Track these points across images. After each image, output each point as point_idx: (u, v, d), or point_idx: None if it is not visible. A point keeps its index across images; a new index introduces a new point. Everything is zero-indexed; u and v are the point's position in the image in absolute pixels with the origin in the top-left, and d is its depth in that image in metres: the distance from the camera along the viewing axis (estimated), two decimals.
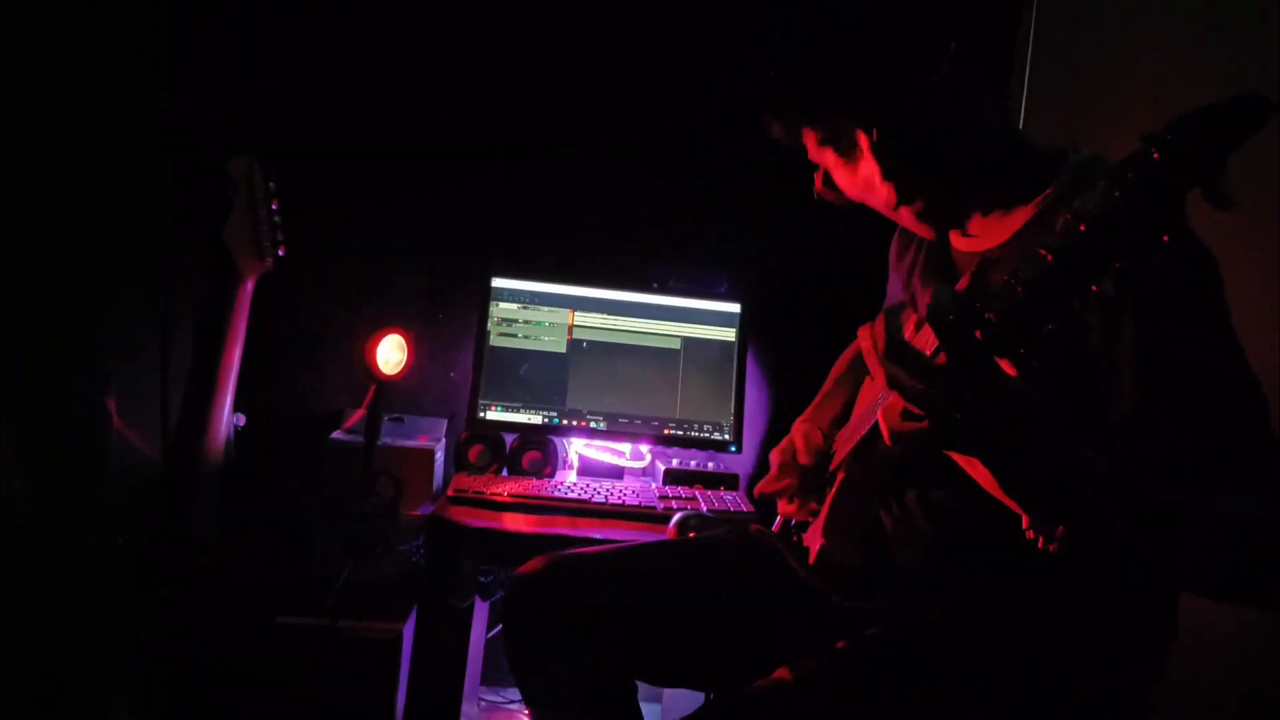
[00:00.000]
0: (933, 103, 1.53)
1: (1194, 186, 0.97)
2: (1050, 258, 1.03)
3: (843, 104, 1.58)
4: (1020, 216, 1.54)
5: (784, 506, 1.88)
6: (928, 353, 1.19)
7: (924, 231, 1.70)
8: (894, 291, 1.96)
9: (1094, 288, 1.03)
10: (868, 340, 1.21)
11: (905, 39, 1.52)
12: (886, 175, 1.59)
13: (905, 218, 1.66)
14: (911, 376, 1.14)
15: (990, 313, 1.09)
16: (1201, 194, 0.97)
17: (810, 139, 1.66)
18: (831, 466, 1.78)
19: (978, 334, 1.11)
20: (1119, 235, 1.00)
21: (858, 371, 2.01)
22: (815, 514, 1.77)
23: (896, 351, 1.15)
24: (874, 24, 1.52)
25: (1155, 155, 0.97)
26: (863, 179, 1.64)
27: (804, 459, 1.86)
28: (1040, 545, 1.19)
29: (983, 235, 1.63)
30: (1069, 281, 1.04)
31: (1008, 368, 1.14)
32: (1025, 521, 1.20)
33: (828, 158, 1.67)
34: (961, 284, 1.14)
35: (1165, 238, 0.99)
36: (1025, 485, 1.17)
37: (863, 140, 1.58)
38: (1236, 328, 1.38)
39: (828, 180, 1.73)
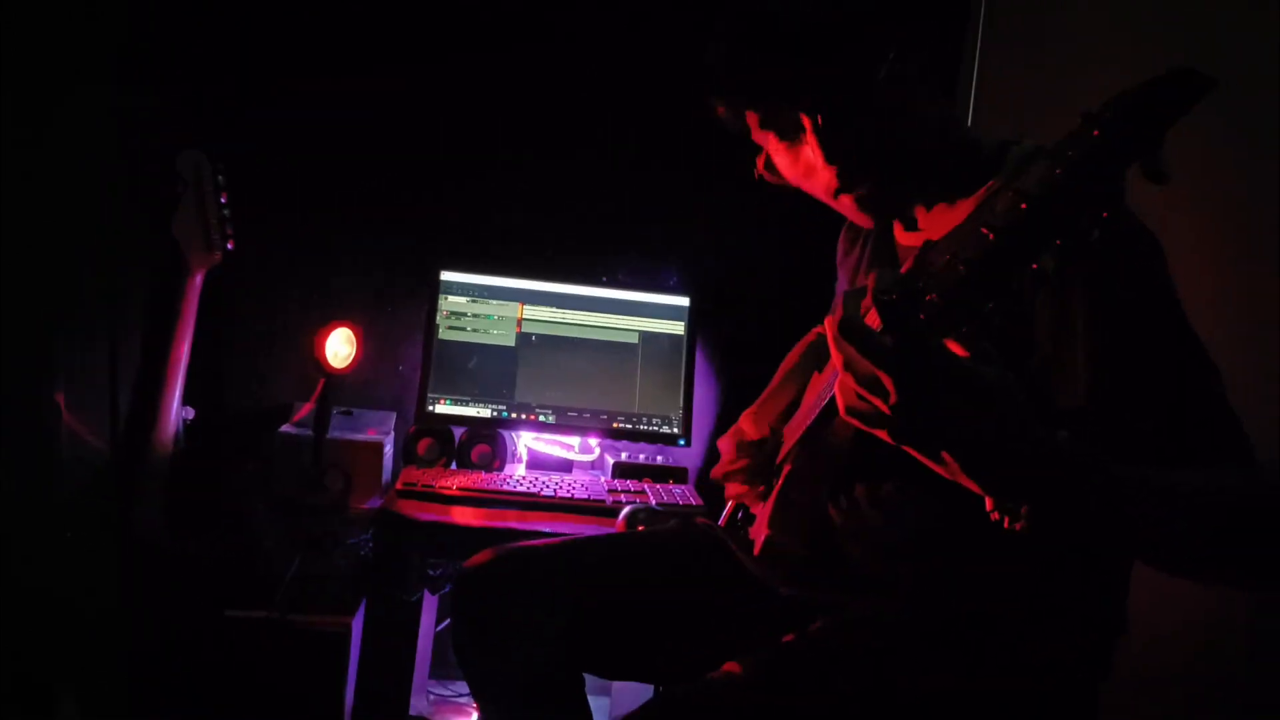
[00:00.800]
0: (877, 92, 1.54)
1: (1132, 162, 0.98)
2: (992, 236, 1.04)
3: (788, 89, 1.58)
4: (964, 209, 1.53)
5: (734, 488, 1.89)
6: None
7: (863, 220, 1.70)
8: (842, 288, 1.97)
9: (1034, 265, 1.04)
10: (832, 328, 1.20)
11: (853, 27, 1.53)
12: (829, 160, 1.59)
13: (845, 205, 1.66)
14: (863, 356, 1.13)
15: (933, 293, 1.09)
16: (1140, 170, 0.99)
17: (753, 120, 1.67)
18: (779, 457, 1.80)
19: (921, 315, 1.10)
20: (1059, 212, 1.01)
21: (806, 367, 2.02)
22: (765, 497, 1.78)
23: (849, 329, 1.14)
24: (822, 11, 1.54)
25: (1095, 133, 0.98)
26: (804, 163, 1.64)
27: (752, 437, 1.88)
28: (1005, 526, 1.19)
29: (927, 228, 1.65)
30: (1010, 259, 1.04)
31: (957, 349, 1.13)
32: (989, 504, 1.19)
33: (769, 141, 1.68)
34: (904, 267, 1.14)
35: (1105, 214, 1.00)
36: (983, 463, 1.16)
37: (806, 124, 1.58)
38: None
39: (769, 162, 1.74)
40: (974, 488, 1.18)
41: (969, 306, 1.08)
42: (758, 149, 1.74)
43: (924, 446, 1.17)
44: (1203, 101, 0.97)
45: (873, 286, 1.10)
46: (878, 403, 1.14)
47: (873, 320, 1.13)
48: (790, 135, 1.64)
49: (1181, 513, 1.23)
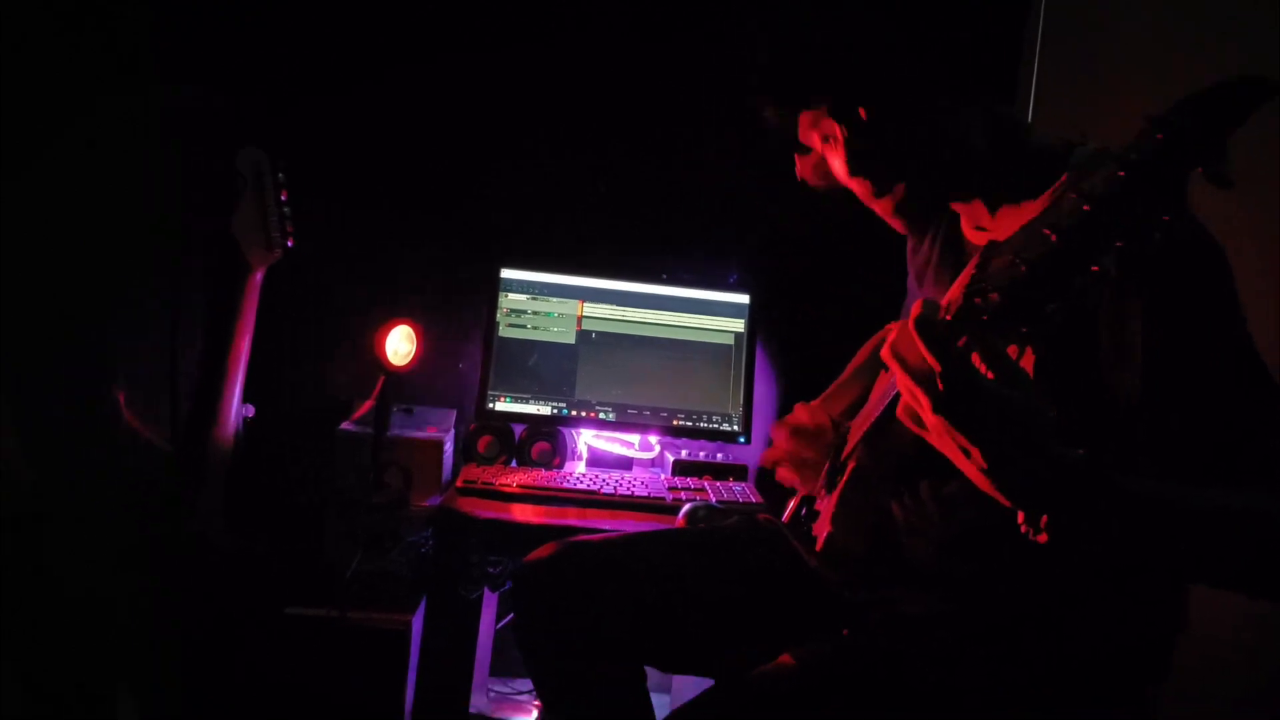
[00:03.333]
0: (907, 106, 1.56)
1: (1195, 166, 0.98)
2: (1054, 237, 1.05)
3: (818, 103, 1.61)
4: (1029, 210, 1.53)
5: (784, 474, 1.89)
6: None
7: (897, 225, 1.72)
8: (910, 285, 1.97)
9: (1094, 268, 1.04)
10: (894, 333, 1.23)
11: (889, 40, 1.55)
12: (852, 172, 1.62)
13: (881, 210, 1.68)
14: (906, 378, 1.19)
15: (994, 292, 1.10)
16: (1203, 174, 0.99)
17: (802, 123, 1.68)
18: (844, 454, 1.78)
19: (961, 341, 1.15)
20: (1121, 214, 1.01)
21: (874, 364, 2.01)
22: (829, 491, 1.77)
23: (920, 326, 1.17)
24: (848, 27, 1.55)
25: (1159, 136, 0.99)
26: (842, 168, 1.66)
27: (809, 423, 1.87)
28: (1030, 537, 1.21)
29: (993, 229, 1.64)
30: (1071, 260, 1.05)
31: (989, 373, 1.17)
32: (1020, 516, 1.22)
33: (815, 141, 1.69)
34: (968, 271, 1.15)
35: (1166, 217, 1.00)
36: (1008, 481, 1.19)
37: (839, 133, 1.60)
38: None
39: (819, 166, 1.75)
40: (1002, 499, 1.22)
41: (1029, 307, 1.10)
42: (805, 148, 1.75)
43: (954, 456, 1.22)
44: (1269, 107, 0.97)
45: (914, 315, 1.15)
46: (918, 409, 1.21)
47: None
48: (829, 141, 1.65)
49: (1215, 530, 1.25)
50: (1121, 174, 1.00)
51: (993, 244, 1.14)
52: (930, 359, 1.14)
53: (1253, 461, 1.31)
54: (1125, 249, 1.03)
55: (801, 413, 1.91)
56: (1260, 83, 0.97)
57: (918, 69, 1.55)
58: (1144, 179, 1.00)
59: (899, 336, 1.21)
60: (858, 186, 1.66)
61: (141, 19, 2.82)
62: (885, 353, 1.21)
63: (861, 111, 1.56)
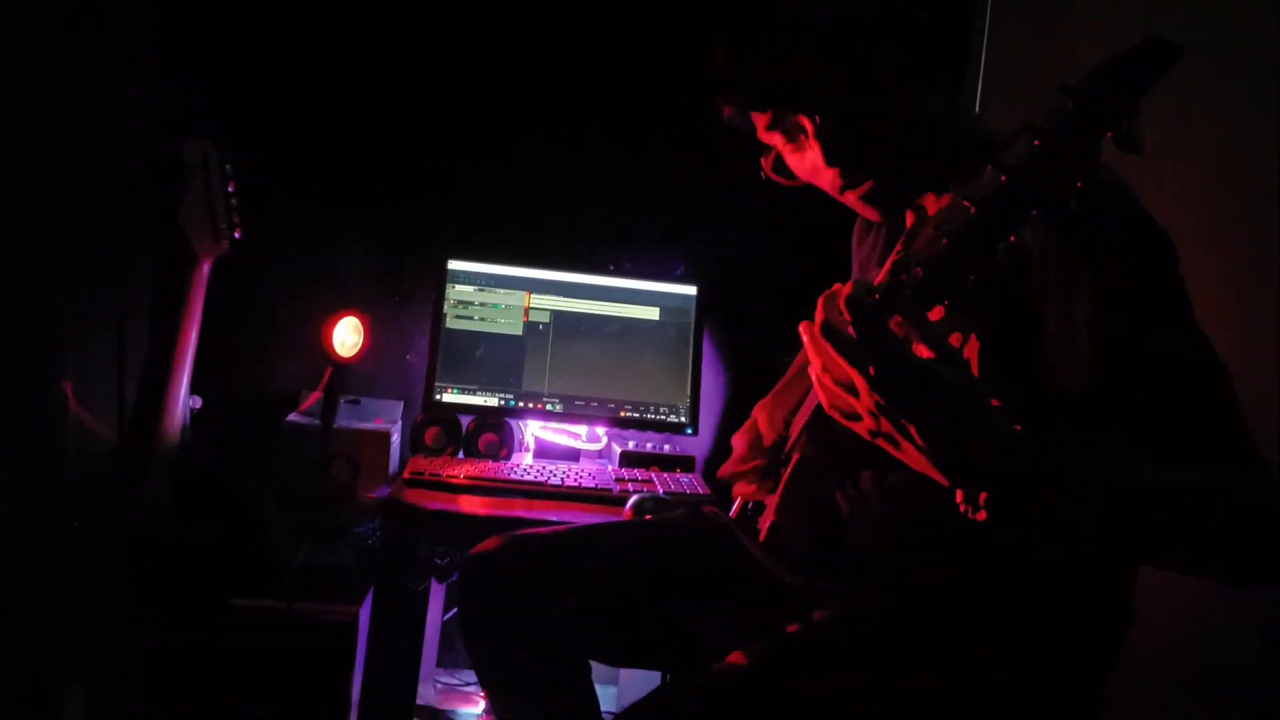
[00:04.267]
0: (876, 92, 1.55)
1: (1106, 131, 1.02)
2: (973, 210, 1.07)
3: (784, 92, 1.59)
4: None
5: (742, 488, 1.89)
6: None
7: (871, 214, 1.71)
8: (855, 276, 1.97)
9: (1012, 238, 1.08)
10: (806, 332, 1.25)
11: (844, 30, 1.54)
12: (829, 160, 1.60)
13: (851, 200, 1.67)
14: (838, 356, 1.19)
15: (917, 267, 1.13)
16: (1113, 139, 1.02)
17: (759, 122, 1.67)
18: (787, 447, 1.80)
19: (894, 322, 1.17)
20: (1036, 183, 1.05)
21: None
22: (773, 490, 1.78)
23: (826, 333, 1.20)
24: (814, 16, 1.54)
25: (1070, 104, 1.02)
26: (809, 162, 1.65)
27: (769, 440, 1.87)
28: (970, 516, 1.22)
29: None
30: (989, 231, 1.08)
31: (924, 351, 1.18)
32: (959, 496, 1.23)
33: (776, 140, 1.68)
34: (896, 248, 1.17)
35: (1079, 184, 1.04)
36: (942, 455, 1.20)
37: (806, 124, 1.59)
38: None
39: (777, 163, 1.75)
40: (939, 478, 1.23)
41: (951, 280, 1.13)
42: (765, 146, 1.75)
43: (889, 439, 1.23)
44: (1173, 72, 1.00)
45: (845, 294, 1.16)
46: (851, 400, 1.22)
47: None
48: (794, 137, 1.65)
49: (1161, 508, 1.26)
50: (1036, 143, 1.03)
51: (919, 221, 1.16)
52: (858, 336, 1.16)
53: (1200, 442, 1.32)
54: (1041, 217, 1.07)
55: (761, 420, 1.91)
56: (1165, 47, 1.00)
57: (884, 50, 1.55)
58: (1057, 147, 1.03)
59: (827, 321, 1.23)
60: (827, 179, 1.65)
61: (88, 11, 2.80)
62: (816, 336, 1.22)
63: (832, 101, 1.56)
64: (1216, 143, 2.61)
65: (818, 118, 1.57)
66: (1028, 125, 1.05)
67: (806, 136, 1.61)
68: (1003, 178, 1.05)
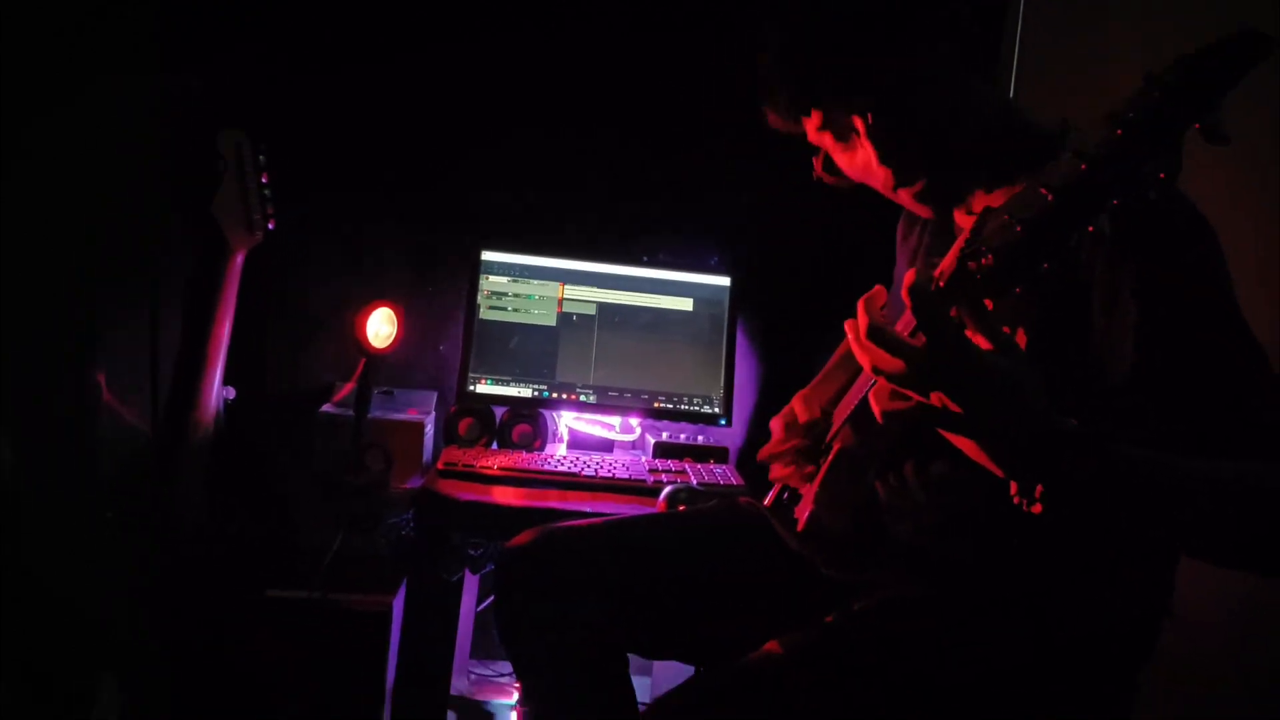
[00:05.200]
0: (925, 87, 1.54)
1: (1192, 124, 1.00)
2: (1051, 197, 1.05)
3: (837, 91, 1.58)
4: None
5: (779, 469, 1.88)
6: (907, 334, 1.21)
7: (923, 211, 1.70)
8: (901, 270, 1.97)
9: (1090, 228, 1.06)
10: (851, 331, 1.24)
11: (895, 25, 1.53)
12: (883, 159, 1.59)
13: (904, 198, 1.66)
14: (892, 357, 1.18)
15: (990, 255, 1.11)
16: (1200, 132, 1.00)
17: (809, 124, 1.66)
18: (828, 437, 1.79)
19: (953, 311, 1.16)
20: (1118, 172, 1.02)
21: None
22: (810, 478, 1.76)
23: (874, 335, 1.19)
24: (864, 12, 1.53)
25: (1156, 94, 1.00)
26: (861, 162, 1.64)
27: (804, 419, 1.86)
28: (1025, 509, 1.21)
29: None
30: (1068, 219, 1.06)
31: (982, 342, 1.17)
32: (1013, 488, 1.22)
33: (826, 141, 1.67)
34: (963, 237, 1.16)
35: (1162, 175, 1.02)
36: (1004, 451, 1.20)
37: (859, 124, 1.58)
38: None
39: (828, 164, 1.74)
40: (996, 470, 1.22)
41: (1025, 267, 1.11)
42: (813, 148, 1.74)
43: (952, 428, 1.22)
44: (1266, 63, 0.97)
45: (907, 283, 1.15)
46: (910, 394, 1.20)
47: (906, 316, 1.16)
48: (845, 136, 1.64)
49: (1207, 499, 1.24)
50: (1119, 132, 1.01)
51: (988, 209, 1.15)
52: (922, 326, 1.15)
53: (1245, 433, 1.31)
54: (1121, 207, 1.04)
55: (799, 406, 1.90)
56: (1257, 38, 0.97)
57: (936, 45, 1.54)
58: (1141, 137, 1.00)
59: (878, 313, 1.22)
60: (880, 178, 1.64)
61: (121, 3, 2.80)
62: (863, 338, 1.21)
63: (885, 98, 1.55)
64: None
65: (870, 116, 1.56)
66: (1109, 114, 1.03)
67: (859, 136, 1.60)
68: (1083, 165, 1.03)
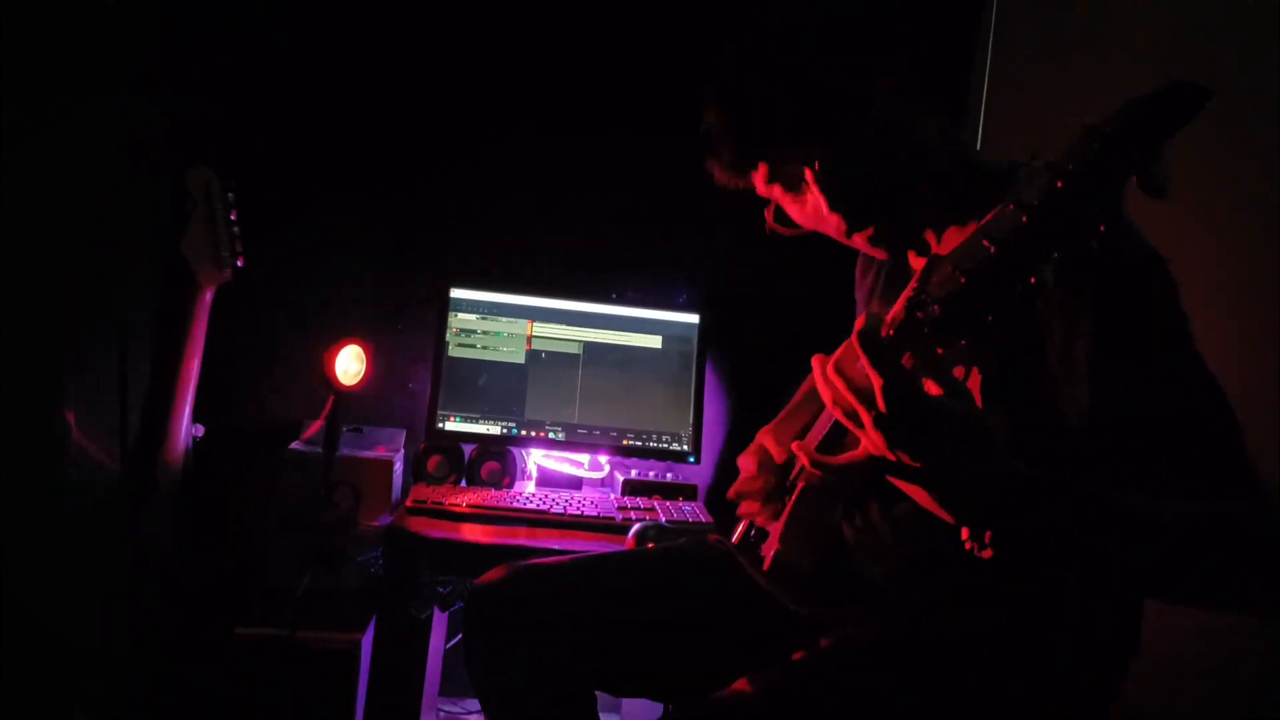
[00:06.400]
0: (873, 133, 1.54)
1: (1131, 175, 1.00)
2: (993, 249, 1.06)
3: (784, 140, 1.59)
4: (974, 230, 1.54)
5: (748, 507, 1.88)
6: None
7: (878, 254, 1.71)
8: (860, 310, 1.98)
9: (1032, 279, 1.07)
10: (818, 366, 1.25)
11: (841, 75, 1.53)
12: (832, 206, 1.60)
13: (859, 243, 1.67)
14: (849, 393, 1.19)
15: (935, 304, 1.12)
16: (1137, 183, 1.01)
17: (757, 178, 1.67)
18: (792, 475, 1.79)
19: (905, 359, 1.17)
20: (1058, 224, 1.03)
21: None
22: (777, 516, 1.77)
23: (839, 370, 1.22)
24: (809, 62, 1.53)
25: (1095, 145, 1.01)
26: (812, 210, 1.65)
27: (779, 458, 1.86)
28: (975, 554, 1.22)
29: (940, 251, 1.65)
30: (1009, 270, 1.07)
31: (933, 388, 1.18)
32: (964, 533, 1.23)
33: (776, 193, 1.68)
34: (911, 285, 1.17)
35: (1102, 227, 1.03)
36: (954, 495, 1.21)
37: (807, 173, 1.59)
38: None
39: (779, 215, 1.74)
40: (945, 516, 1.23)
41: (969, 318, 1.12)
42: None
43: (897, 472, 1.23)
44: (1204, 114, 0.98)
45: (857, 329, 1.16)
46: (860, 434, 1.22)
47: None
48: (794, 186, 1.64)
49: (1167, 540, 1.24)
50: (1059, 184, 1.02)
51: (934, 258, 1.15)
52: (872, 373, 1.15)
53: (1203, 474, 1.30)
54: (1062, 259, 1.05)
55: (769, 442, 1.91)
56: (1195, 90, 0.98)
57: (879, 90, 1.54)
58: (1080, 188, 1.01)
59: (842, 355, 1.23)
60: (832, 225, 1.64)
61: (86, 38, 2.81)
62: (829, 371, 1.23)
63: (830, 145, 1.55)
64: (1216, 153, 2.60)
65: (817, 164, 1.57)
66: (1049, 165, 1.04)
67: (807, 185, 1.61)
68: (1024, 218, 1.04)
